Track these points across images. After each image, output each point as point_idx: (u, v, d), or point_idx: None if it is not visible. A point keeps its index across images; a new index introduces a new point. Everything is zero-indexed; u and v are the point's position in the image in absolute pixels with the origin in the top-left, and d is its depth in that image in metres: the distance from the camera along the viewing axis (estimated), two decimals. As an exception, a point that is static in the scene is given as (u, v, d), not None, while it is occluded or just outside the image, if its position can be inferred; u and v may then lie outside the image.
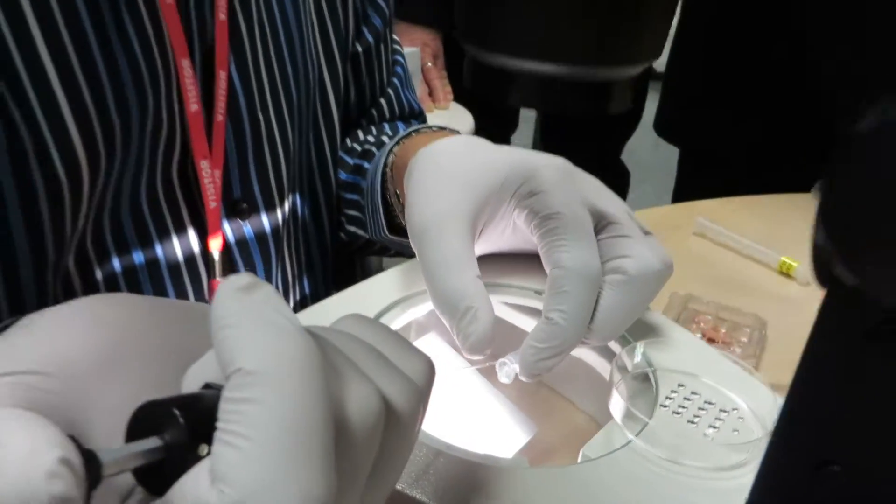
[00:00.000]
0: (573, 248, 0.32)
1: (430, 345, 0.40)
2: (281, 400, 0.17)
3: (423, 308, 0.39)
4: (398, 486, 0.28)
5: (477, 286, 0.33)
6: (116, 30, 0.38)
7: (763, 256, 0.64)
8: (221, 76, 0.44)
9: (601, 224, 0.34)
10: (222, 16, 0.44)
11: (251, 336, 0.18)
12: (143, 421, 0.18)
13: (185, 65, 0.42)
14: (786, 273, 0.62)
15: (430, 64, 1.20)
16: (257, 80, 0.47)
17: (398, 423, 0.21)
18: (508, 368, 0.33)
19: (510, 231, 0.36)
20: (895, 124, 0.14)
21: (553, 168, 0.34)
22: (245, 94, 0.46)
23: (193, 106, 0.43)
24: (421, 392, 0.22)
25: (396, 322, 0.38)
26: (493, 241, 0.37)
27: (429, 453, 0.29)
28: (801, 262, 0.61)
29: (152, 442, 0.18)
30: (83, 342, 0.20)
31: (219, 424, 0.17)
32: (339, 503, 0.18)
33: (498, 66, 0.22)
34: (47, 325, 0.20)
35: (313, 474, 0.16)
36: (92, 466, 0.16)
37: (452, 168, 0.36)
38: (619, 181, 1.45)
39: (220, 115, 0.45)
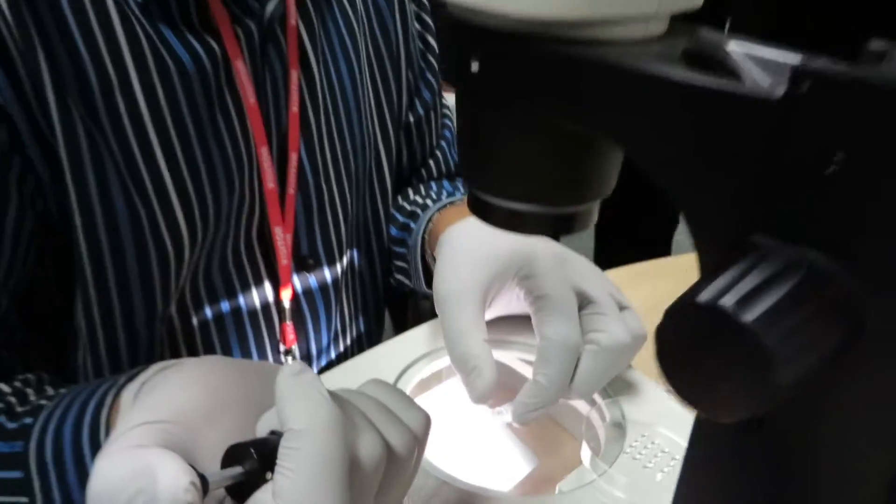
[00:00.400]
0: (557, 324, 0.40)
1: (455, 387, 0.49)
2: (314, 448, 0.26)
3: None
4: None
5: (483, 350, 0.42)
6: (211, 126, 0.49)
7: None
8: (293, 158, 0.54)
9: (584, 302, 0.42)
10: (294, 108, 0.54)
11: (298, 406, 0.27)
12: (231, 456, 0.28)
13: (264, 151, 0.52)
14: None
15: None
16: (322, 157, 0.57)
17: (396, 461, 0.30)
18: (503, 417, 0.42)
19: (515, 300, 0.45)
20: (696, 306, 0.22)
21: (548, 254, 0.43)
22: (312, 170, 0.57)
23: (270, 184, 0.53)
24: (417, 439, 0.31)
25: (429, 368, 0.48)
26: (501, 307, 0.46)
27: (435, 483, 0.38)
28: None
29: (237, 470, 0.27)
30: (195, 399, 0.30)
31: (278, 461, 0.27)
32: None
33: (474, 195, 0.29)
34: (171, 387, 0.30)
35: (333, 497, 0.26)
36: (204, 485, 0.26)
37: (468, 250, 0.45)
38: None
39: (291, 189, 0.55)
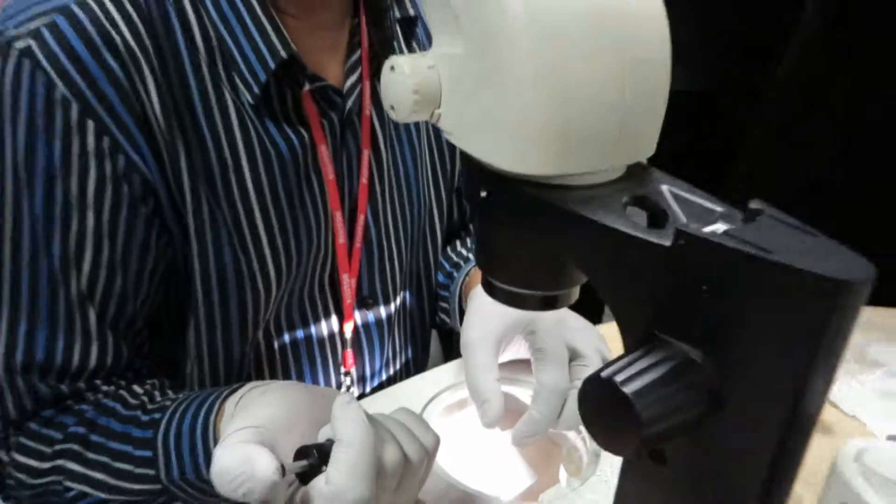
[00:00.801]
0: (550, 372, 0.52)
1: (473, 413, 0.61)
2: (353, 454, 0.39)
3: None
4: None
5: (494, 387, 0.54)
6: (298, 197, 0.63)
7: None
8: (360, 219, 0.68)
9: (574, 355, 0.54)
10: (364, 180, 0.68)
11: (345, 425, 0.40)
12: (301, 453, 0.41)
13: (338, 214, 0.66)
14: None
15: None
16: (384, 218, 0.71)
17: (411, 467, 0.42)
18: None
19: (523, 349, 0.57)
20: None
21: (549, 316, 0.55)
22: (375, 229, 0.70)
23: (341, 240, 0.67)
24: (428, 453, 0.44)
25: (454, 396, 0.60)
26: (512, 353, 0.58)
27: (446, 486, 0.50)
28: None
29: (304, 463, 0.40)
30: (279, 413, 0.43)
31: (331, 459, 0.40)
32: None
33: (485, 278, 0.41)
34: (264, 402, 0.44)
35: (363, 488, 0.39)
36: (283, 470, 0.39)
37: (489, 307, 0.57)
38: None
39: (357, 244, 0.68)
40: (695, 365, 0.34)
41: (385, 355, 0.74)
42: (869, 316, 0.84)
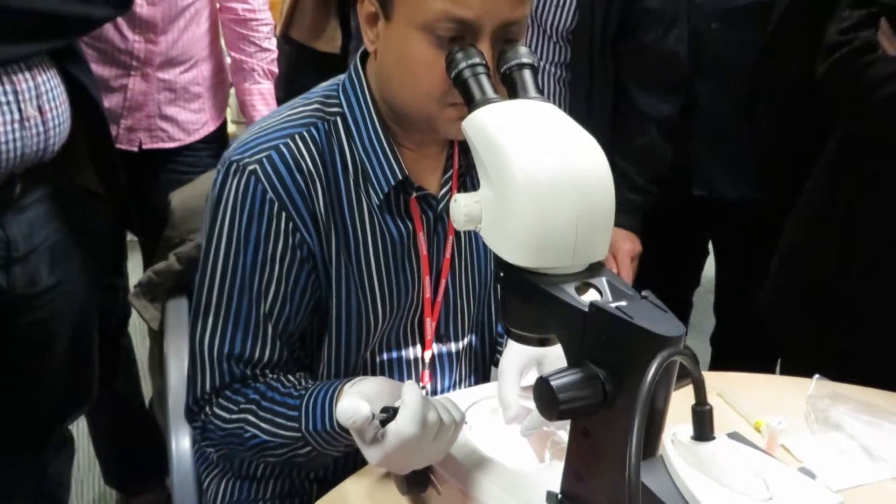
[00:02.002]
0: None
1: (500, 414, 0.90)
2: (410, 410, 0.70)
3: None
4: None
5: (514, 399, 0.83)
6: (401, 266, 0.94)
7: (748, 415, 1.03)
8: (443, 282, 0.99)
9: None
10: (447, 256, 0.99)
11: (408, 395, 0.71)
12: (383, 410, 0.72)
13: (426, 279, 0.97)
14: (756, 428, 1.01)
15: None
16: (460, 281, 1.01)
17: (444, 427, 0.72)
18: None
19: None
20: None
21: (553, 353, 0.83)
22: (453, 288, 1.01)
23: (427, 295, 0.98)
24: (456, 422, 0.74)
25: (492, 403, 0.89)
26: (531, 379, 0.87)
27: (480, 457, 0.79)
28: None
29: (384, 415, 0.72)
30: (374, 387, 0.75)
31: (398, 413, 0.71)
32: (420, 446, 0.71)
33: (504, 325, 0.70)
34: (364, 384, 0.76)
35: (414, 429, 0.69)
36: (373, 416, 0.70)
37: (514, 348, 0.86)
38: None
39: (439, 299, 0.99)
40: (597, 376, 0.62)
41: (453, 379, 1.04)
42: (845, 390, 1.06)
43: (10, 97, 0.98)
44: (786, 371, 1.14)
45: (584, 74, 1.46)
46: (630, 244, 1.51)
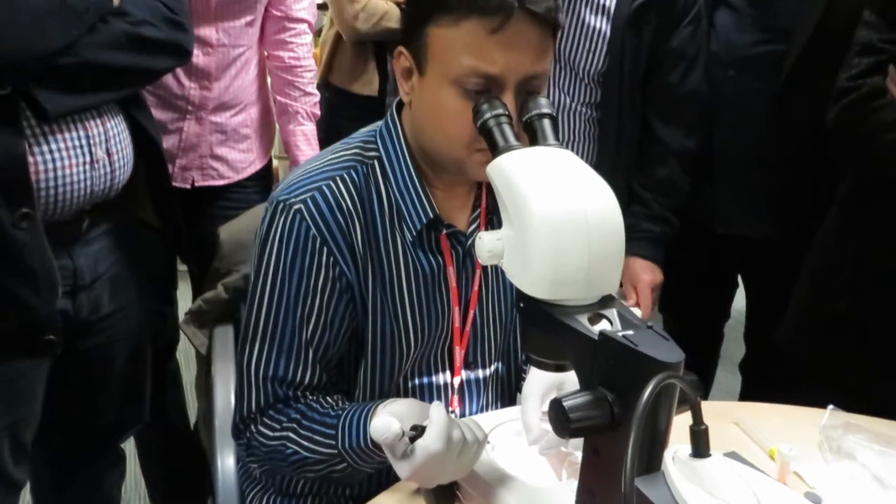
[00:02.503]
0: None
1: (523, 435, 0.96)
2: (436, 428, 0.77)
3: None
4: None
5: (536, 422, 0.89)
6: (432, 297, 1.01)
7: (763, 442, 1.07)
8: (471, 313, 1.06)
9: None
10: (475, 288, 1.06)
11: (435, 415, 0.78)
12: (412, 428, 0.79)
13: (456, 309, 1.04)
14: (771, 456, 1.05)
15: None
16: (488, 312, 1.08)
17: (468, 444, 0.79)
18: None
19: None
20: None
21: (572, 380, 0.89)
22: (480, 318, 1.08)
23: (456, 325, 1.05)
24: (478, 440, 0.80)
25: (516, 425, 0.96)
26: (551, 404, 0.93)
27: (503, 474, 0.86)
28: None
29: (413, 433, 0.79)
30: (404, 407, 0.82)
31: (425, 431, 0.78)
32: (445, 461, 0.78)
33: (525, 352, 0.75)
34: (395, 405, 0.83)
35: (440, 445, 0.76)
36: (403, 433, 0.77)
37: (536, 374, 0.93)
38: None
39: (467, 328, 1.07)
40: (606, 399, 0.69)
41: (481, 404, 1.10)
42: (858, 420, 1.10)
43: (83, 141, 1.09)
44: (804, 399, 1.18)
45: (614, 113, 1.53)
46: (650, 275, 1.57)
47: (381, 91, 1.88)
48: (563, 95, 1.52)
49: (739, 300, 1.91)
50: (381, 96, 1.86)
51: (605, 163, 1.55)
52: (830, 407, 1.11)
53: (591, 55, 1.49)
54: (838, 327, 1.30)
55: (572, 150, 1.54)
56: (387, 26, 1.81)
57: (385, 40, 1.87)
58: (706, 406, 1.21)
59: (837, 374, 1.30)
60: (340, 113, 1.77)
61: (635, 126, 1.56)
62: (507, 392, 1.15)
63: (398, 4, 1.78)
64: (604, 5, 1.47)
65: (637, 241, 1.56)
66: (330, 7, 1.83)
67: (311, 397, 0.98)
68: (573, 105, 1.53)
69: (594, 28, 1.47)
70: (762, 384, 1.74)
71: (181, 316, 1.43)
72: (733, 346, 2.04)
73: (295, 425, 0.94)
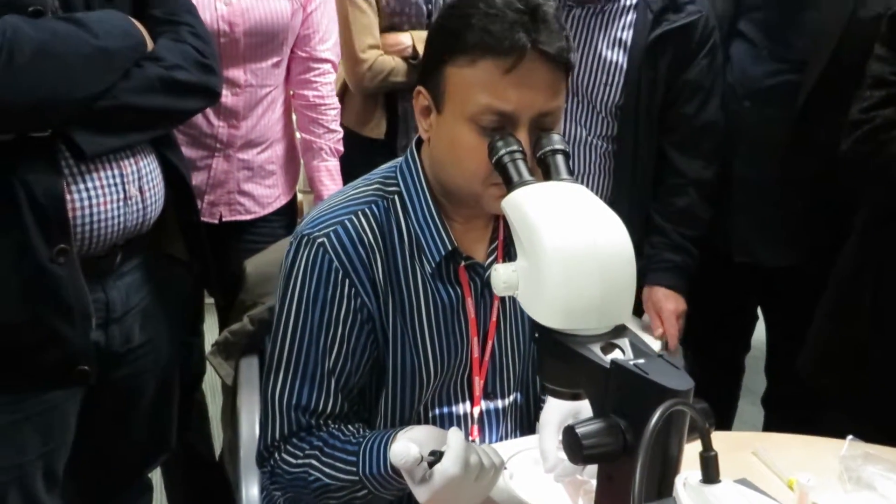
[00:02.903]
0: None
1: (541, 462, 0.97)
2: (454, 453, 0.79)
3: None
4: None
5: (552, 450, 0.91)
6: (451, 328, 1.04)
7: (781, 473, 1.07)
8: (489, 343, 1.08)
9: None
10: (494, 319, 1.09)
11: (453, 440, 0.80)
12: (431, 453, 0.81)
13: (475, 340, 1.07)
14: (789, 486, 1.05)
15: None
16: (505, 343, 1.10)
17: (485, 470, 0.81)
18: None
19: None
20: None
21: (589, 409, 0.91)
22: (499, 349, 1.09)
23: (475, 355, 1.07)
24: (496, 466, 0.82)
25: (535, 453, 0.97)
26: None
27: (513, 497, 0.87)
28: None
29: (431, 458, 0.81)
30: (422, 434, 0.84)
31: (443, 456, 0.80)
32: (463, 486, 0.80)
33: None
34: (413, 431, 0.85)
35: (457, 469, 0.78)
36: (422, 458, 0.80)
37: (553, 403, 0.94)
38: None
39: (486, 358, 1.09)
40: (618, 426, 0.71)
41: (500, 434, 1.12)
42: (877, 451, 1.10)
43: (117, 179, 1.14)
44: (825, 430, 1.18)
45: (630, 146, 1.56)
46: (673, 304, 1.58)
47: (388, 134, 1.94)
48: (579, 128, 1.55)
49: (760, 332, 1.91)
50: (388, 139, 1.92)
51: (620, 195, 1.57)
52: (850, 437, 1.11)
53: (607, 88, 1.52)
54: (858, 355, 1.30)
55: (588, 182, 1.58)
56: (393, 81, 1.87)
57: (394, 90, 1.94)
58: (726, 437, 1.22)
59: (857, 402, 1.29)
60: (350, 153, 1.83)
61: (651, 158, 1.58)
62: (525, 422, 1.16)
63: (405, 59, 1.84)
64: (620, 38, 1.51)
65: (659, 271, 1.58)
66: (341, 61, 1.89)
67: (333, 426, 1.00)
68: (589, 138, 1.56)
69: (611, 61, 1.51)
70: (785, 417, 1.73)
71: (207, 348, 1.47)
72: (758, 378, 2.03)
73: (317, 452, 0.97)
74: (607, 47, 1.51)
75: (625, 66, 1.50)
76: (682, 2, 1.50)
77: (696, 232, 1.58)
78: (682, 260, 1.58)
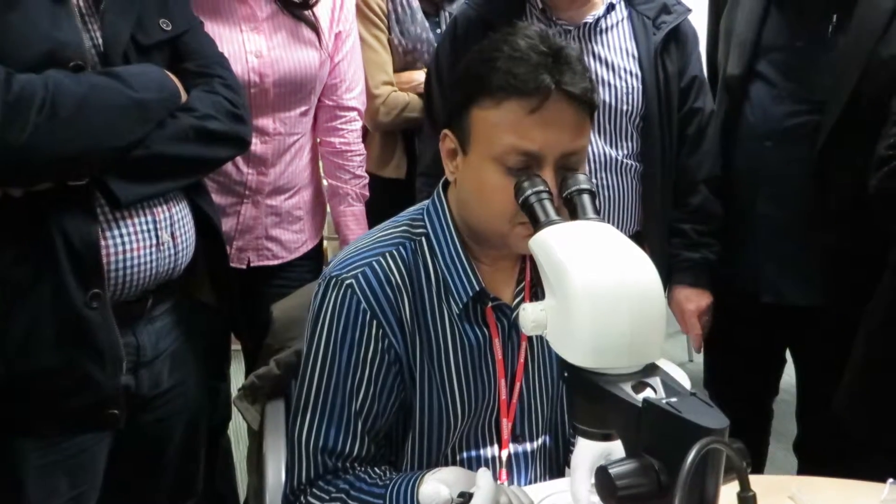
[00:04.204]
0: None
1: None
2: (483, 494, 0.78)
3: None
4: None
5: (584, 492, 0.89)
6: (479, 369, 1.04)
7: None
8: (517, 385, 1.08)
9: None
10: (521, 360, 1.08)
11: (482, 482, 0.79)
12: (461, 494, 0.80)
13: (502, 381, 1.06)
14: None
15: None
16: (534, 384, 1.09)
17: None
18: None
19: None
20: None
21: (621, 450, 0.89)
22: (527, 391, 1.09)
23: (503, 397, 1.07)
24: None
25: (566, 496, 0.96)
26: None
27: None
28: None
29: (460, 500, 0.80)
30: (452, 476, 0.83)
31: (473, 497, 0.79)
32: None
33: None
34: (446, 472, 0.84)
35: None
36: (452, 500, 0.79)
37: (584, 444, 0.93)
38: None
39: (514, 399, 1.08)
40: (652, 466, 0.70)
41: (529, 477, 1.11)
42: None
43: (150, 225, 1.16)
44: (863, 474, 1.15)
45: (657, 162, 1.58)
46: (694, 304, 1.60)
47: (408, 173, 1.96)
48: (606, 148, 1.56)
49: (788, 377, 1.88)
50: (408, 178, 1.95)
51: (650, 222, 1.59)
52: (890, 480, 1.08)
53: (628, 96, 1.55)
54: None
55: (622, 207, 1.60)
56: (408, 116, 1.91)
57: (410, 128, 1.96)
58: (761, 480, 1.19)
59: None
60: (371, 196, 1.85)
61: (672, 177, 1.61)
62: (554, 465, 1.15)
63: (420, 95, 1.89)
64: (626, 48, 1.56)
65: (678, 271, 1.61)
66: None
67: (359, 469, 1.00)
68: (617, 156, 1.56)
69: (625, 69, 1.55)
70: (819, 462, 1.68)
71: (234, 392, 1.47)
72: (788, 423, 1.99)
73: (344, 495, 0.96)
74: (617, 56, 1.55)
75: (639, 72, 1.54)
76: (670, 3, 1.57)
77: (711, 226, 1.60)
78: (700, 257, 1.60)
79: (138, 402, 1.23)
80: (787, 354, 1.84)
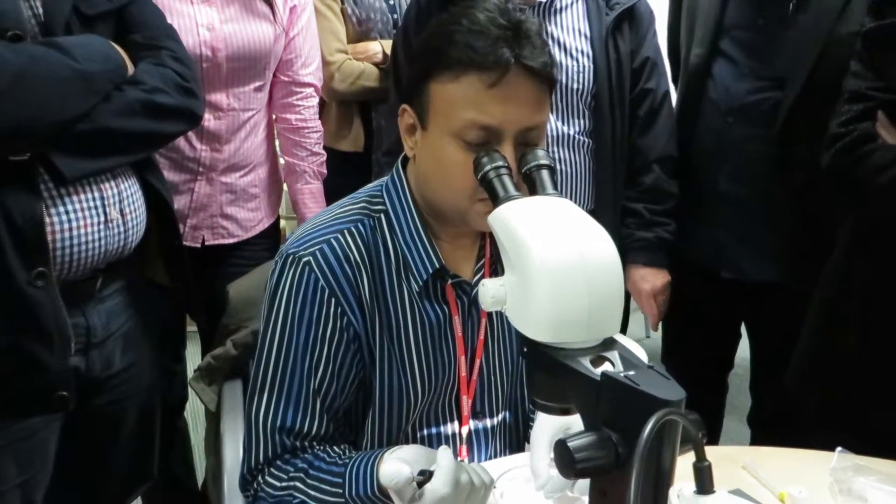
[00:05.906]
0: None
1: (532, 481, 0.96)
2: (443, 472, 0.78)
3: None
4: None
5: (543, 467, 0.89)
6: (438, 347, 1.04)
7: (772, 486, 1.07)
8: (477, 362, 1.08)
9: None
10: (481, 337, 1.08)
11: (443, 459, 0.79)
12: (420, 473, 0.80)
13: (462, 358, 1.06)
14: (781, 499, 1.05)
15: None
16: (494, 361, 1.09)
17: (475, 488, 0.80)
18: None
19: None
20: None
21: (579, 424, 0.90)
22: (487, 368, 1.09)
23: (462, 374, 1.06)
24: (486, 484, 0.81)
25: (526, 471, 0.96)
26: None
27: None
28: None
29: (421, 477, 0.79)
30: (412, 453, 0.83)
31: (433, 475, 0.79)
32: None
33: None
34: (406, 450, 0.84)
35: (447, 489, 0.77)
36: (413, 477, 0.78)
37: (542, 419, 0.93)
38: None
39: (474, 377, 1.08)
40: (610, 439, 0.70)
41: (489, 453, 1.11)
42: (867, 462, 1.10)
43: (98, 202, 1.12)
44: (813, 445, 1.18)
45: (607, 140, 1.59)
46: (650, 283, 1.61)
47: (366, 147, 1.94)
48: (559, 124, 1.57)
49: (742, 351, 1.92)
50: (366, 151, 1.92)
51: (602, 198, 1.60)
52: (839, 449, 1.11)
53: (579, 75, 1.56)
54: (846, 368, 1.31)
55: (576, 183, 1.60)
56: (364, 85, 1.89)
57: (367, 99, 1.94)
58: (714, 451, 1.21)
59: (847, 414, 1.30)
60: (329, 170, 1.83)
61: (625, 157, 1.62)
62: (514, 441, 1.15)
63: (376, 65, 1.86)
64: (579, 28, 1.57)
65: (633, 251, 1.62)
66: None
67: (318, 448, 0.98)
68: (570, 132, 1.56)
69: (577, 48, 1.56)
70: (772, 434, 1.73)
71: (190, 374, 1.44)
72: (742, 396, 2.04)
73: (302, 475, 0.95)
74: (570, 37, 1.56)
75: (590, 52, 1.54)
76: None
77: (665, 206, 1.61)
78: (654, 236, 1.61)
79: (89, 384, 1.20)
80: (742, 329, 1.88)
